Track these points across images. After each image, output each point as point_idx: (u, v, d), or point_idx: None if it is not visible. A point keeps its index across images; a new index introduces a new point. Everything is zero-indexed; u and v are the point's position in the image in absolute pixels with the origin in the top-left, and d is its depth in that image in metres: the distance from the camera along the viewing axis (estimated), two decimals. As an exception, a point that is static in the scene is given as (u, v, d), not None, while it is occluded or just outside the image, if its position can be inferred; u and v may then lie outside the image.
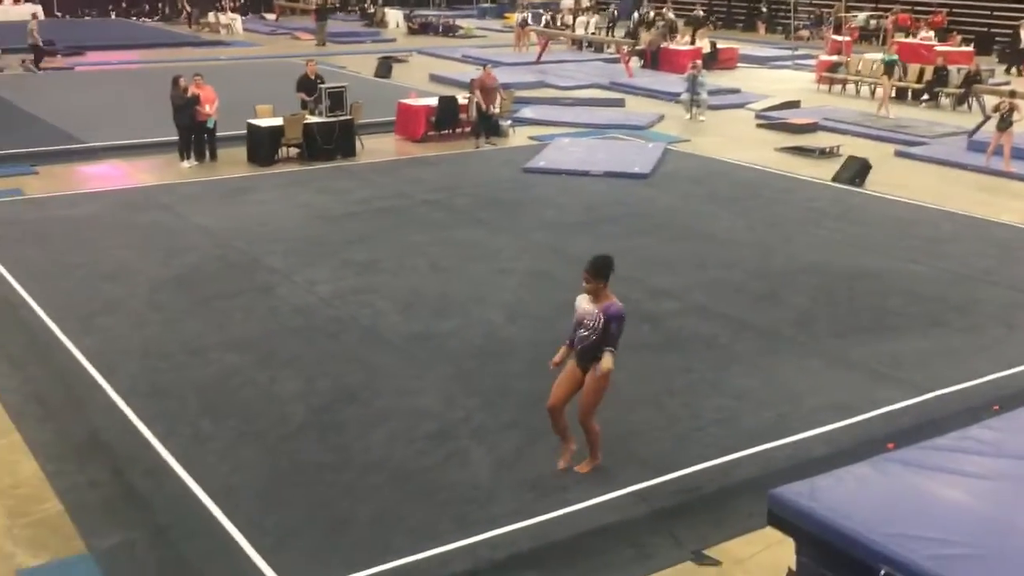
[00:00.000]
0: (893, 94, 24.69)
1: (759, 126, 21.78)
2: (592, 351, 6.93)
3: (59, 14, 43.60)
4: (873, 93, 25.93)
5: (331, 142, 17.54)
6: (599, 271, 6.87)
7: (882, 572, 4.44)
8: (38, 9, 30.13)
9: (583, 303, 7.01)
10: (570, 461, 7.30)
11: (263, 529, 6.55)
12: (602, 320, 6.81)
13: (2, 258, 11.84)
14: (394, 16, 43.61)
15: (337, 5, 47.49)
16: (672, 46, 31.24)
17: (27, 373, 8.94)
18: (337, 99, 17.83)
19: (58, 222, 13.45)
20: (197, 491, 6.99)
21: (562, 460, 7.31)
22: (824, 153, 18.55)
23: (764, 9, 43.24)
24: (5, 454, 7.60)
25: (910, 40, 31.19)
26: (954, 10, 36.59)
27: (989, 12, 36.02)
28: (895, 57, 24.97)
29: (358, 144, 18.10)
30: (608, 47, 34.34)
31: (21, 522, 6.75)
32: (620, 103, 24.35)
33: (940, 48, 28.17)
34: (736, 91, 26.09)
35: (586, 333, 6.92)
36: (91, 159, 17.49)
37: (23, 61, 28.64)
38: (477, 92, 19.14)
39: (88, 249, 12.30)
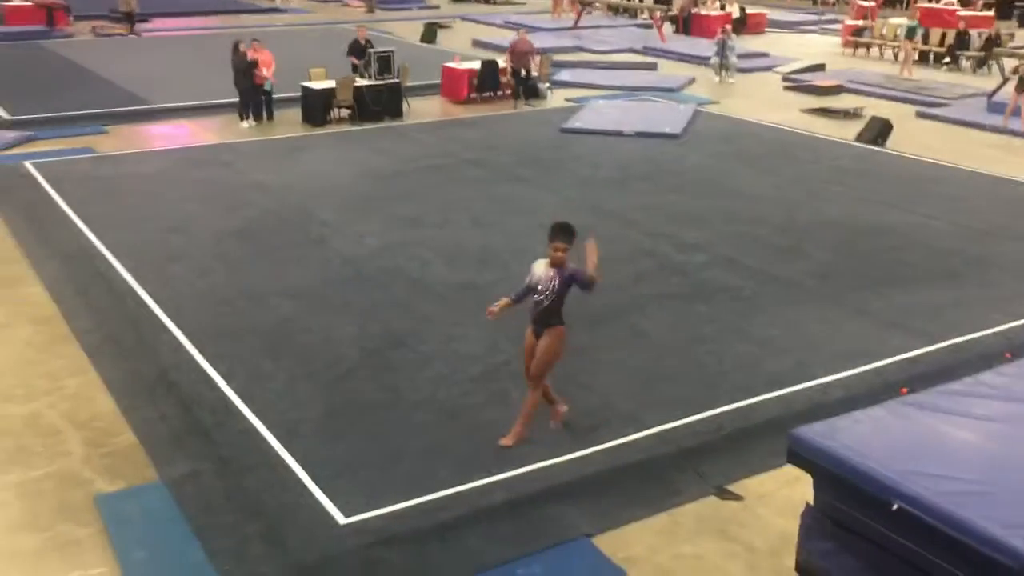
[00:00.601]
0: (916, 57, 24.18)
1: (786, 88, 21.45)
2: (547, 316, 6.65)
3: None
4: (896, 56, 25.38)
5: (380, 104, 17.53)
6: (572, 235, 6.50)
7: (894, 506, 4.45)
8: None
9: (539, 269, 6.65)
10: (561, 420, 7.05)
11: (320, 461, 6.67)
12: (557, 283, 6.52)
13: (79, 212, 12.02)
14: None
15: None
16: (703, 11, 30.72)
17: (103, 317, 9.12)
18: (385, 63, 17.78)
19: (128, 178, 13.61)
20: (258, 426, 7.13)
21: (552, 420, 7.06)
22: (848, 114, 18.25)
23: None
24: (84, 390, 7.79)
25: (933, 5, 30.40)
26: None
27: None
28: (916, 23, 24.38)
29: (405, 105, 18.07)
30: (642, 13, 33.84)
31: (98, 452, 6.93)
32: (653, 67, 24.05)
33: (962, 13, 27.45)
34: (764, 55, 25.65)
35: (540, 298, 6.63)
36: (157, 119, 17.63)
37: (93, 28, 28.82)
38: (510, 55, 19.02)
39: (156, 203, 12.45)
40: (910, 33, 23.55)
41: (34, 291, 9.78)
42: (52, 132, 16.28)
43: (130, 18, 28.27)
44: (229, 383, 7.73)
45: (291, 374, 7.91)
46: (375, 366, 8.04)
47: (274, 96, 17.24)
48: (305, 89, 17.44)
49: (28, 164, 14.19)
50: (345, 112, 17.47)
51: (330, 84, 17.40)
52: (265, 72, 16.74)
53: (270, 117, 17.27)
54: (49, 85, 19.89)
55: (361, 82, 17.55)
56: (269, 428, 7.08)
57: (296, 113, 17.46)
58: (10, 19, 29.01)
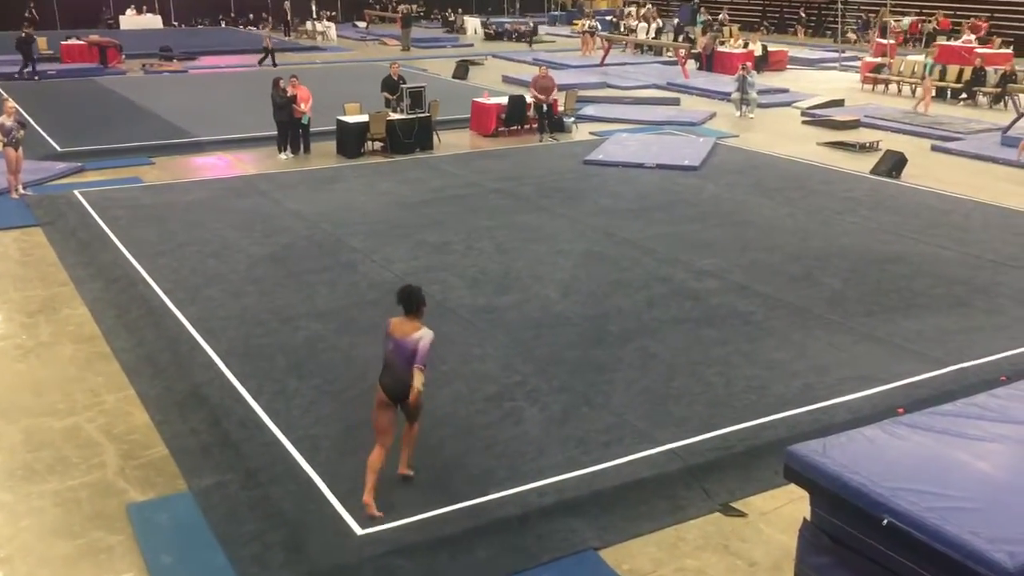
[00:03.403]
0: (934, 93, 24.11)
1: (804, 123, 21.43)
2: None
3: (176, 23, 44.68)
4: (914, 92, 25.31)
5: (411, 137, 17.79)
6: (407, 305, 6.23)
7: (884, 521, 4.45)
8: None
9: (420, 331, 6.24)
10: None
11: (339, 475, 6.76)
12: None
13: (122, 238, 12.29)
14: (472, 23, 43.74)
15: (421, 13, 47.80)
16: (726, 49, 30.81)
17: (141, 337, 9.32)
18: (417, 98, 18.04)
19: (171, 206, 13.89)
20: (283, 440, 7.24)
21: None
22: (864, 147, 18.20)
23: (803, 14, 42.42)
24: (121, 405, 7.96)
25: (951, 43, 30.29)
26: (996, 15, 35.34)
27: (1029, 15, 34.73)
28: (930, 61, 24.19)
29: (435, 138, 18.31)
30: (667, 51, 34.00)
31: (133, 464, 7.08)
32: (676, 102, 24.17)
33: (979, 50, 27.32)
34: (784, 91, 25.66)
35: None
36: (200, 151, 18.00)
37: (144, 65, 29.49)
38: (532, 90, 19.25)
39: (196, 230, 12.70)
40: (930, 70, 23.40)
41: (78, 312, 10.01)
42: (101, 163, 16.66)
43: (268, 52, 30.15)
44: (256, 399, 7.87)
45: (316, 391, 8.03)
46: (396, 385, 8.12)
47: (311, 129, 17.54)
48: (340, 123, 17.75)
49: (77, 193, 14.54)
50: (378, 145, 17.73)
51: (364, 118, 17.69)
52: (303, 107, 17.06)
53: (307, 149, 17.57)
54: (100, 119, 20.37)
55: (393, 116, 17.82)
56: (293, 442, 7.20)
57: (331, 146, 17.75)
58: (66, 58, 29.80)
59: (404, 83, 18.41)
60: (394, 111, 18.05)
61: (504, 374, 8.34)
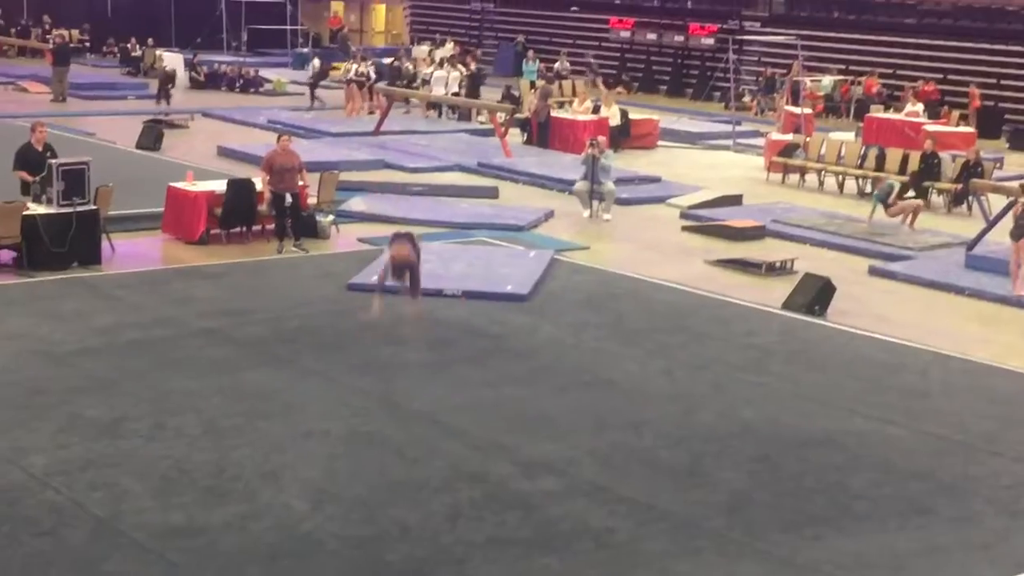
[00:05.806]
0: (868, 189, 25.91)
1: (684, 229, 22.55)
2: None
3: None
4: (841, 186, 27.11)
5: (64, 243, 17.43)
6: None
7: None
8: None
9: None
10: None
11: None
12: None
13: None
14: (171, 62, 43.82)
15: (87, 44, 47.57)
16: (566, 114, 32.19)
17: None
18: (76, 181, 17.79)
19: None
20: None
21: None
22: (773, 269, 19.24)
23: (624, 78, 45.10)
24: None
25: (890, 116, 32.75)
26: (949, 76, 38.68)
27: (996, 81, 38.21)
28: (893, 184, 24.17)
29: (105, 246, 18.08)
30: (478, 114, 35.13)
31: None
32: (492, 193, 24.96)
33: (930, 127, 29.61)
34: (655, 179, 27.04)
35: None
36: None
37: None
38: (267, 172, 19.21)
39: None
40: (883, 195, 23.40)
41: None
42: None
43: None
44: None
45: None
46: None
47: None
48: (-59, 220, 17.26)
49: None
50: (7, 255, 17.28)
51: (-16, 212, 17.29)
52: None
53: None
54: None
55: (36, 209, 17.49)
56: None
57: (-77, 257, 17.24)
58: None
59: (54, 157, 18.17)
60: (37, 201, 17.72)
61: (215, 642, 8.10)
